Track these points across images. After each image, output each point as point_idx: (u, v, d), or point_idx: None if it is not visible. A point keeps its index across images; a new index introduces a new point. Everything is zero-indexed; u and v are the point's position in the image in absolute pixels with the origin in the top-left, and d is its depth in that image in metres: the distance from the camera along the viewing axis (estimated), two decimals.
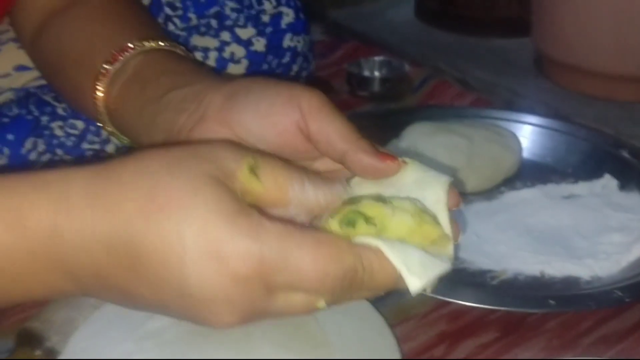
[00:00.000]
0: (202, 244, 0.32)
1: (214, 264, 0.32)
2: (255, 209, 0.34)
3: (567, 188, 0.76)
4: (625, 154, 0.79)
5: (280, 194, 0.35)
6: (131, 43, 0.51)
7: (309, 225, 0.37)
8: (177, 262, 0.33)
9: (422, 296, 0.57)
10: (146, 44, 0.51)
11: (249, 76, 0.47)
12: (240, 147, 0.37)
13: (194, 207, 0.33)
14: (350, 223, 0.36)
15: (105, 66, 0.50)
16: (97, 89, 0.51)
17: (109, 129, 0.52)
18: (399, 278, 0.35)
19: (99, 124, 0.53)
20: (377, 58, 1.04)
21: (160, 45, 0.51)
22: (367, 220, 0.36)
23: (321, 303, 0.34)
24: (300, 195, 0.36)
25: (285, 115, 0.40)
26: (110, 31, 0.53)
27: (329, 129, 0.40)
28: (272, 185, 0.35)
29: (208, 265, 0.32)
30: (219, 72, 0.69)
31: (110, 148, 0.64)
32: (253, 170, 0.35)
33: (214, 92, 0.43)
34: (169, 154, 0.35)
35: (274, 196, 0.35)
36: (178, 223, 0.33)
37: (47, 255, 0.34)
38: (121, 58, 0.50)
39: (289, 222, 0.35)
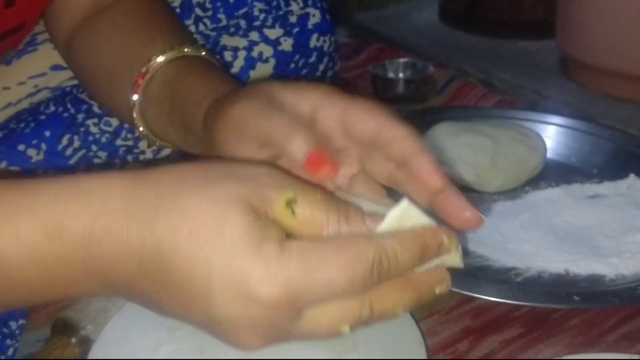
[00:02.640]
0: (228, 273, 0.33)
1: (240, 294, 0.33)
2: (282, 236, 0.34)
3: (591, 188, 0.76)
4: None
5: (313, 231, 0.35)
6: (144, 68, 0.53)
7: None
8: (203, 288, 0.33)
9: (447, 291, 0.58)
10: (158, 59, 0.53)
11: (270, 83, 0.47)
12: (283, 175, 0.36)
13: (220, 236, 0.33)
14: None
15: (131, 98, 0.54)
16: (133, 117, 0.54)
17: (144, 132, 0.55)
18: (424, 250, 0.36)
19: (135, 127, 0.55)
20: (402, 60, 1.05)
21: (185, 52, 0.54)
22: None
23: (345, 327, 0.35)
24: (333, 235, 0.36)
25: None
26: (137, 43, 0.56)
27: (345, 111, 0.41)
28: (307, 221, 0.35)
29: (234, 295, 0.33)
30: (247, 71, 0.70)
31: (143, 145, 0.66)
32: (290, 204, 0.35)
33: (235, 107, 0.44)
34: (209, 172, 0.35)
35: (306, 232, 0.35)
36: (205, 251, 0.33)
37: (84, 263, 0.35)
38: (141, 85, 0.54)
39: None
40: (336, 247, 0.34)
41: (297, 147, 0.40)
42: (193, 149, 0.51)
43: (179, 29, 0.60)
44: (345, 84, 1.07)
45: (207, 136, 0.46)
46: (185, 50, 0.53)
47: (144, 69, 0.53)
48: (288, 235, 0.35)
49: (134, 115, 0.54)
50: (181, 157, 0.67)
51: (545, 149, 0.79)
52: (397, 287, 0.36)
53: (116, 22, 0.57)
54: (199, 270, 0.33)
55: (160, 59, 0.53)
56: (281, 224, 0.35)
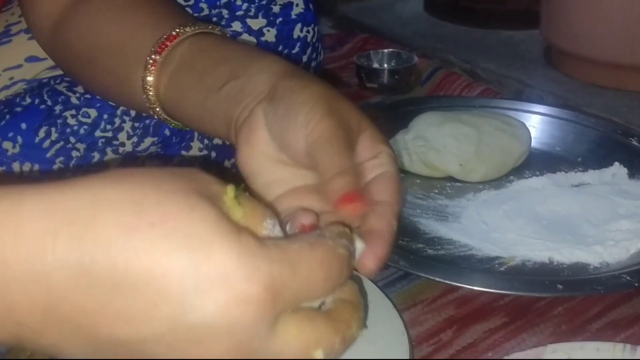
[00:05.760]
0: (206, 268, 0.28)
1: (218, 290, 0.28)
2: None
3: (576, 176, 0.76)
4: (634, 142, 0.79)
5: (257, 222, 0.32)
6: (174, 31, 0.51)
7: None
8: (174, 290, 0.28)
9: (430, 281, 0.58)
10: (188, 29, 0.51)
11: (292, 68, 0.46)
12: None
13: (192, 225, 0.28)
14: None
15: (153, 57, 0.51)
16: (146, 80, 0.51)
17: (163, 116, 0.53)
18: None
19: (150, 112, 0.53)
20: (386, 50, 1.04)
21: (201, 29, 0.52)
22: None
23: (319, 352, 0.32)
24: (270, 230, 0.33)
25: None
26: (146, 20, 0.54)
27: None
28: (251, 212, 0.32)
29: (212, 292, 0.28)
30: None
31: (122, 136, 0.65)
32: (237, 196, 0.32)
33: (262, 97, 0.44)
34: (151, 172, 0.31)
35: (251, 224, 0.32)
36: (176, 244, 0.28)
37: None
38: (168, 47, 0.50)
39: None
40: (308, 243, 0.31)
41: (336, 181, 0.39)
42: (200, 124, 0.49)
43: (183, 9, 0.58)
44: (329, 75, 1.06)
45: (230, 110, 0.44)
46: (200, 27, 0.51)
47: (174, 32, 0.50)
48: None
49: (149, 79, 0.50)
50: (161, 153, 0.67)
51: (529, 138, 0.79)
52: (349, 308, 0.34)
53: (115, 2, 0.55)
54: (168, 265, 0.28)
55: (189, 29, 0.51)
56: (229, 215, 0.31)
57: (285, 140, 0.42)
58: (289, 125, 0.41)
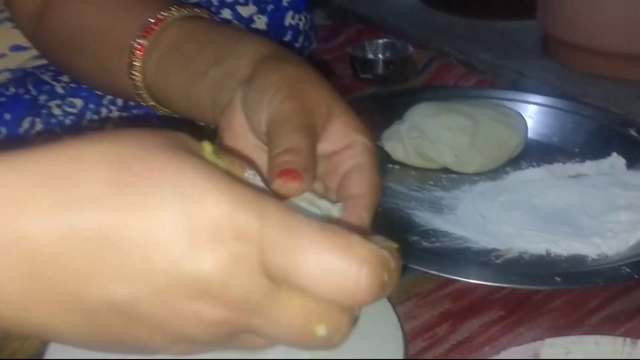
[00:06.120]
0: (199, 218, 0.26)
1: (211, 242, 0.27)
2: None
3: (573, 167, 0.75)
4: (633, 132, 0.77)
5: (241, 170, 0.31)
6: (160, 15, 0.49)
7: None
8: (168, 241, 0.26)
9: (425, 275, 0.57)
10: (175, 13, 0.49)
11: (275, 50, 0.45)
12: None
13: (182, 175, 0.27)
14: None
15: (139, 41, 0.49)
16: (133, 66, 0.49)
17: (150, 102, 0.51)
18: None
19: (137, 99, 0.52)
20: (381, 41, 1.03)
21: (189, 12, 0.50)
22: None
23: (321, 329, 0.29)
24: (253, 182, 0.32)
25: None
26: (132, 4, 0.52)
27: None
28: (231, 168, 0.31)
29: (205, 243, 0.27)
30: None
31: (109, 127, 0.63)
32: (215, 150, 0.31)
33: (243, 80, 0.42)
34: (130, 131, 0.29)
35: (236, 172, 0.32)
36: (167, 194, 0.26)
37: None
38: (155, 31, 0.49)
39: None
40: (321, 225, 0.28)
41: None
42: (187, 110, 0.47)
43: None
44: (323, 66, 1.05)
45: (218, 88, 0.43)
46: (187, 10, 0.50)
47: (160, 16, 0.49)
48: None
49: (136, 65, 0.49)
50: None
51: (526, 129, 0.78)
52: None
53: None
54: (161, 217, 0.26)
55: (177, 12, 0.49)
56: None
57: (252, 122, 0.40)
58: (255, 106, 0.40)
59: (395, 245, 0.32)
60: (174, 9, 0.49)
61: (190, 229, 0.26)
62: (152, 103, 0.51)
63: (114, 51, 0.51)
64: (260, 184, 0.33)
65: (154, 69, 0.49)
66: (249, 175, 0.32)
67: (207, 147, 0.30)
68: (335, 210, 0.38)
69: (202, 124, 0.56)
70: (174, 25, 0.49)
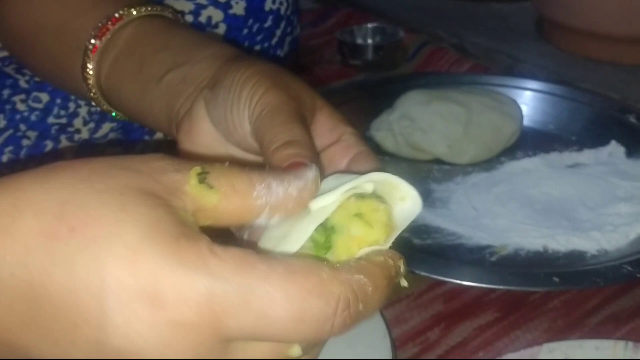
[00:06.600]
0: (130, 282, 0.24)
1: (146, 309, 0.24)
2: (207, 237, 0.26)
3: (571, 156, 0.73)
4: (632, 119, 0.75)
5: (243, 200, 0.27)
6: (117, 13, 0.46)
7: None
8: (94, 308, 0.24)
9: (414, 275, 0.54)
10: (133, 11, 0.46)
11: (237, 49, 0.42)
12: (176, 158, 0.29)
13: (119, 231, 0.24)
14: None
15: (92, 41, 0.46)
16: (86, 67, 0.47)
17: (104, 107, 0.48)
18: (389, 284, 0.28)
19: (93, 102, 0.49)
20: (370, 25, 1.00)
21: (148, 11, 0.47)
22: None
23: (295, 349, 0.27)
24: (268, 196, 0.28)
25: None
26: (91, 1, 0.49)
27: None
28: (229, 191, 0.27)
29: (138, 311, 0.24)
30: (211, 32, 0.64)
31: (78, 123, 0.60)
32: (203, 180, 0.27)
33: (206, 84, 0.39)
34: (89, 164, 0.27)
35: (237, 205, 0.27)
36: (96, 253, 0.24)
37: None
38: (110, 30, 0.46)
39: (251, 249, 0.26)
40: (288, 269, 0.25)
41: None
42: (140, 116, 0.44)
43: None
44: (311, 52, 1.01)
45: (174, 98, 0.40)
46: (148, 9, 0.46)
47: (117, 15, 0.46)
48: (225, 241, 0.27)
49: (89, 66, 0.46)
50: (122, 139, 0.62)
51: (521, 116, 0.75)
52: None
53: None
54: (87, 282, 0.24)
55: (135, 11, 0.46)
56: (203, 208, 0.27)
57: (229, 124, 0.36)
58: (231, 106, 0.36)
59: (396, 264, 0.28)
60: (134, 6, 0.46)
61: (118, 294, 0.24)
62: (107, 107, 0.48)
63: (69, 50, 0.47)
64: (279, 189, 0.28)
65: (108, 72, 0.45)
66: (261, 190, 0.28)
67: (192, 179, 0.27)
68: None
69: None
70: (132, 24, 0.45)
